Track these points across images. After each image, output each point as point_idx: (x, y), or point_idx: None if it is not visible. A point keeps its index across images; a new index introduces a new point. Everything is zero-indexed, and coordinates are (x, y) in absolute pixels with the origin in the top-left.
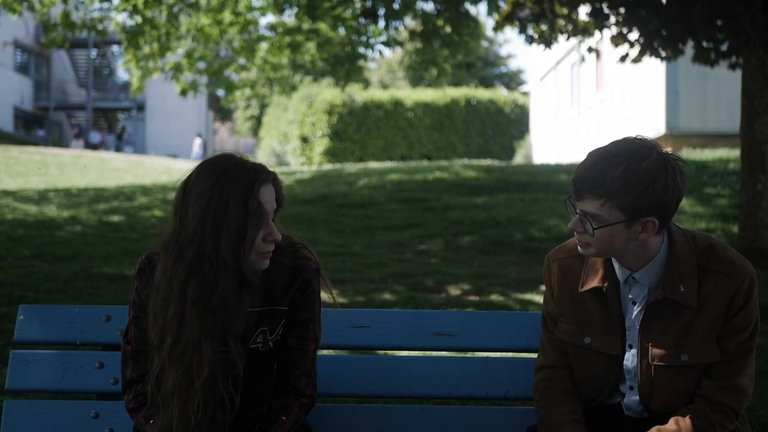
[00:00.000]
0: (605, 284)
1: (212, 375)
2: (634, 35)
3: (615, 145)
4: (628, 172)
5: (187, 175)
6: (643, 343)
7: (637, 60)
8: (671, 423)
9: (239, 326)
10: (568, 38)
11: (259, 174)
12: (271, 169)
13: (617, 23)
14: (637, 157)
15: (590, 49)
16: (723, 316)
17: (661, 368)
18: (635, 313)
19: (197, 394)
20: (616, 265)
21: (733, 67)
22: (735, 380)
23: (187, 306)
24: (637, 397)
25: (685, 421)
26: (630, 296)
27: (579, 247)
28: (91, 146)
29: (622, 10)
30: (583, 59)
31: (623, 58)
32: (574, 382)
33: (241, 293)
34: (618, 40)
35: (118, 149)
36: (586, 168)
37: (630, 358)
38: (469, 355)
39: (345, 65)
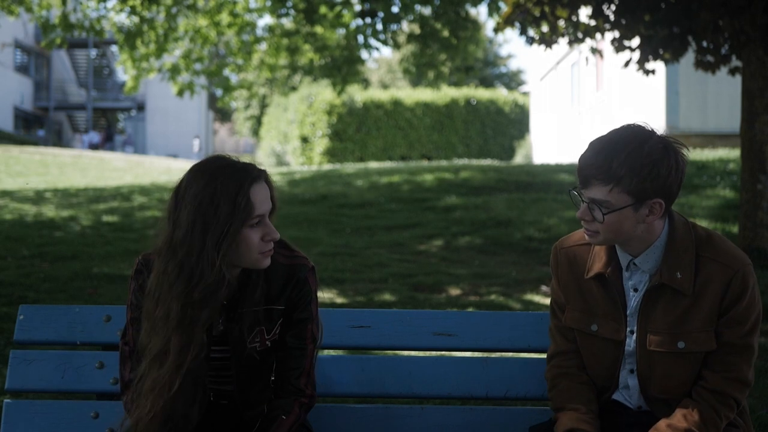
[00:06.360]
0: (608, 270)
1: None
2: (635, 42)
3: (615, 132)
4: (632, 156)
5: (179, 180)
6: (642, 328)
7: (640, 65)
8: (678, 416)
9: (209, 319)
10: (569, 43)
11: (250, 172)
12: (261, 168)
13: (619, 35)
14: (638, 141)
15: (593, 50)
16: (719, 305)
17: (659, 354)
18: (636, 299)
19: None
20: (618, 251)
21: (732, 72)
22: (737, 372)
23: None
24: (636, 382)
25: (693, 414)
26: (631, 283)
27: (586, 236)
28: (90, 146)
29: (623, 21)
30: (586, 60)
31: (627, 63)
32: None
33: (219, 290)
34: (619, 48)
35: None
36: (590, 156)
37: (630, 343)
38: (469, 355)
39: (343, 70)
